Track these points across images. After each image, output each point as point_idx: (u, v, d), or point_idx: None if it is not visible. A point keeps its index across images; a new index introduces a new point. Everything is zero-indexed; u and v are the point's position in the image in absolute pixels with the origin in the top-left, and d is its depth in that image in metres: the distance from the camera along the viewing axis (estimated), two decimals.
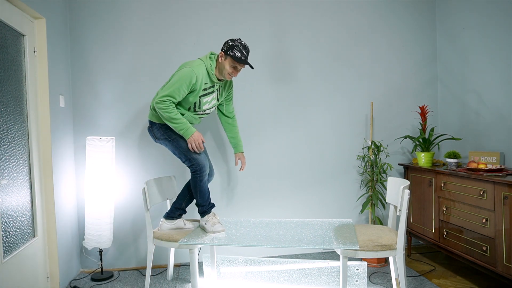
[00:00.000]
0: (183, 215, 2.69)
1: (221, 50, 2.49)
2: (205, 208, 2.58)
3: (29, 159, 2.42)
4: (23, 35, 2.38)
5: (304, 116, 3.35)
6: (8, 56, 2.20)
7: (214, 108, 2.69)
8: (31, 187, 2.43)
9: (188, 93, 2.46)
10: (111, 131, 3.07)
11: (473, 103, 3.14)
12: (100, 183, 2.80)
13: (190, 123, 2.56)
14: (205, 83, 2.49)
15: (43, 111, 2.55)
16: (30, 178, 2.43)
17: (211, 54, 2.55)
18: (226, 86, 2.71)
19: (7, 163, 2.15)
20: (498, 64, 2.87)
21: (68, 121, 2.95)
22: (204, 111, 2.60)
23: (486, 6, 2.97)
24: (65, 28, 2.93)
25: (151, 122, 2.60)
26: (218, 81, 2.57)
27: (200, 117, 2.65)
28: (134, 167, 3.11)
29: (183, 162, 2.54)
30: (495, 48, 2.90)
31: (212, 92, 2.57)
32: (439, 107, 3.57)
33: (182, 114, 2.51)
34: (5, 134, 2.14)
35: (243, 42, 2.50)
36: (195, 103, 2.52)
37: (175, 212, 2.64)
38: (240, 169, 2.87)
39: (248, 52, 2.51)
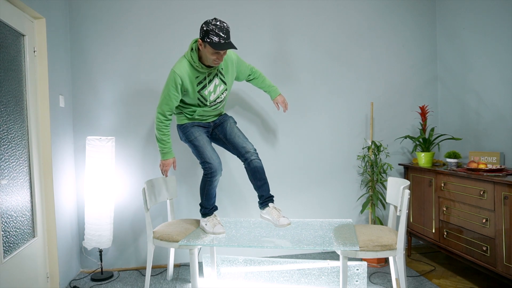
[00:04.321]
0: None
1: (199, 37, 2.28)
2: (208, 210, 2.58)
3: (29, 159, 2.42)
4: (23, 35, 2.38)
5: (304, 116, 3.35)
6: (8, 56, 2.19)
7: (226, 93, 2.52)
8: (31, 187, 2.42)
9: (184, 94, 2.40)
10: (111, 131, 3.07)
11: (473, 103, 3.14)
12: (100, 183, 2.80)
13: (210, 115, 2.54)
14: (196, 77, 2.36)
15: (43, 111, 2.55)
16: (30, 178, 2.42)
17: (194, 42, 2.35)
18: (228, 65, 2.48)
19: (7, 163, 2.14)
20: (498, 64, 2.87)
21: (68, 121, 2.95)
22: (215, 101, 2.48)
23: (486, 6, 2.97)
24: (65, 28, 2.93)
25: (176, 124, 2.64)
26: (209, 68, 2.38)
27: (214, 108, 2.52)
28: (134, 167, 3.11)
29: (200, 164, 2.53)
30: (495, 48, 2.90)
31: (211, 81, 2.42)
32: (439, 107, 3.57)
33: (194, 111, 2.48)
34: (5, 134, 2.14)
35: (218, 23, 2.20)
36: (198, 98, 2.43)
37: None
38: (284, 111, 2.80)
39: (227, 33, 2.20)
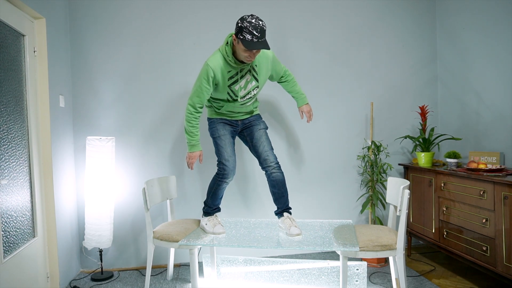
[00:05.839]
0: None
1: (234, 32, 2.25)
2: (210, 210, 2.59)
3: (29, 159, 2.42)
4: (23, 35, 2.38)
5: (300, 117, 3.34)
6: (8, 56, 2.19)
7: (257, 90, 2.47)
8: (31, 187, 2.42)
9: (215, 88, 2.38)
10: (111, 131, 3.07)
11: (473, 103, 3.14)
12: (100, 183, 2.80)
13: (238, 112, 2.53)
14: (229, 71, 2.33)
15: (43, 111, 2.55)
16: (30, 178, 2.42)
17: (230, 36, 2.31)
18: (262, 63, 2.42)
19: (7, 163, 2.14)
20: (498, 64, 2.87)
21: (68, 121, 2.95)
22: (244, 97, 2.44)
23: (486, 6, 2.97)
24: (65, 28, 2.93)
25: None
26: (242, 64, 2.33)
27: (243, 104, 2.48)
28: (134, 167, 3.11)
29: (216, 161, 2.55)
30: (495, 48, 2.90)
31: (243, 76, 2.38)
32: (439, 107, 3.57)
33: (221, 106, 2.48)
34: (5, 134, 2.14)
35: (253, 21, 2.14)
36: (228, 93, 2.40)
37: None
38: (307, 121, 2.73)
39: (261, 32, 2.14)
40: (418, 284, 2.71)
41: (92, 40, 3.03)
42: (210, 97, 2.49)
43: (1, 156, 2.09)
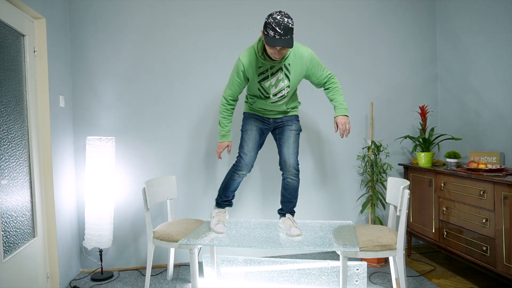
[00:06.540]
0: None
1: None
2: (221, 201, 2.64)
3: (29, 159, 2.42)
4: (23, 35, 2.38)
5: (304, 116, 3.35)
6: (8, 56, 2.19)
7: (288, 90, 2.41)
8: (31, 187, 2.42)
9: (247, 81, 2.41)
10: (111, 131, 3.07)
11: (473, 103, 3.14)
12: (100, 183, 2.80)
13: (270, 110, 2.53)
14: (259, 67, 2.32)
15: (43, 111, 2.55)
16: (30, 178, 2.42)
17: None
18: (297, 62, 2.35)
19: (7, 163, 2.14)
20: (498, 64, 2.87)
21: (68, 121, 2.95)
22: (276, 95, 2.41)
23: (486, 7, 2.97)
24: (65, 28, 2.93)
25: None
26: (273, 61, 2.28)
27: (274, 102, 2.45)
28: (134, 167, 3.11)
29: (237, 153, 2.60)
30: (495, 48, 2.90)
31: (273, 74, 2.34)
32: (439, 107, 3.57)
33: (254, 102, 2.52)
34: (5, 134, 2.14)
35: (278, 18, 2.09)
36: (259, 89, 2.40)
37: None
38: (341, 136, 2.38)
39: (284, 29, 2.08)
40: (418, 284, 2.71)
41: (92, 40, 3.03)
42: (247, 93, 2.56)
43: (1, 156, 2.09)
